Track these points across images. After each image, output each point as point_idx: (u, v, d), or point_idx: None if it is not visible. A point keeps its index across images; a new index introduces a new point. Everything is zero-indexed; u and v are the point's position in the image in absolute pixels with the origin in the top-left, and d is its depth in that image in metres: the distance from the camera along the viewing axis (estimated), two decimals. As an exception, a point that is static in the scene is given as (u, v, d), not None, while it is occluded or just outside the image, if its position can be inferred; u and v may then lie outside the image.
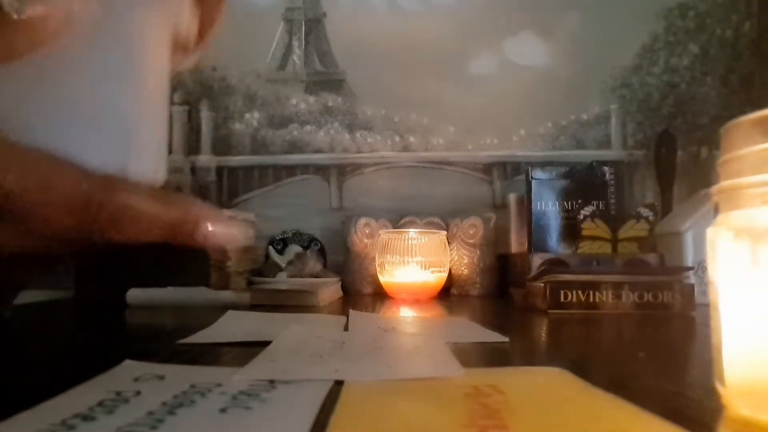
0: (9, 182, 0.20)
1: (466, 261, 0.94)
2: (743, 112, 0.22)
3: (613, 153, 1.10)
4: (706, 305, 0.24)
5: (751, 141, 0.21)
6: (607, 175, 0.91)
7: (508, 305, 0.78)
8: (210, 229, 0.23)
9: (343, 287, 0.92)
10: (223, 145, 1.15)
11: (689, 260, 0.74)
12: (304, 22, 1.17)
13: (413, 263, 0.84)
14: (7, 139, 0.21)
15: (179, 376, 0.28)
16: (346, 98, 1.15)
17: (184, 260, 0.81)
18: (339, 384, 0.26)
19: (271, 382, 0.27)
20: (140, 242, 0.23)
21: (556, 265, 0.75)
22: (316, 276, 0.91)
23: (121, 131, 0.25)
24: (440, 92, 1.13)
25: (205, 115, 1.15)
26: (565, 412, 0.23)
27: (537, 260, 0.78)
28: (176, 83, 1.14)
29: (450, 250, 0.91)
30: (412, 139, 1.14)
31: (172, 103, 1.15)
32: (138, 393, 0.24)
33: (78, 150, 0.23)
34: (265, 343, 0.37)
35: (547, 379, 0.29)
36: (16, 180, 0.20)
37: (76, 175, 0.21)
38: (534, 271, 0.74)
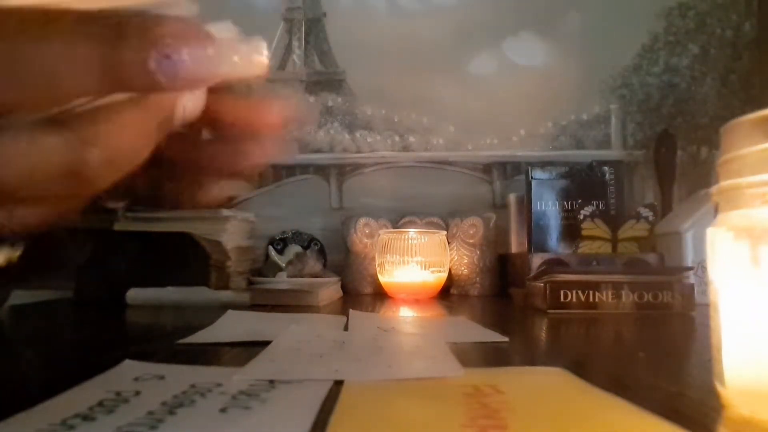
0: None
1: (466, 261, 0.94)
2: (743, 112, 0.22)
3: (613, 153, 1.10)
4: (706, 305, 0.24)
5: (751, 141, 0.21)
6: (607, 175, 0.91)
7: (508, 305, 0.78)
8: (188, 57, 0.15)
9: (343, 287, 0.92)
10: (223, 145, 1.15)
11: (689, 260, 0.74)
12: (304, 22, 1.17)
13: (413, 263, 0.84)
14: None
15: (179, 376, 0.28)
16: (346, 98, 1.15)
17: (184, 260, 0.81)
18: (339, 384, 0.26)
19: (271, 382, 0.27)
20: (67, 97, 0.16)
21: (556, 265, 0.74)
22: (316, 276, 0.91)
23: None
24: (440, 92, 1.13)
25: (205, 115, 1.15)
26: (565, 412, 0.23)
27: (537, 260, 0.78)
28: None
29: (450, 250, 0.91)
30: (412, 139, 1.14)
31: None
32: (138, 393, 0.24)
33: None
34: (265, 343, 0.37)
35: (547, 379, 0.29)
36: None
37: None
38: (534, 271, 0.74)
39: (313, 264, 0.92)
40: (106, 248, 0.79)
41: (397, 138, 1.14)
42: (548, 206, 0.88)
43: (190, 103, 0.19)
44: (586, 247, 0.79)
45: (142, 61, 0.15)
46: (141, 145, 0.18)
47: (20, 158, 0.16)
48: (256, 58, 0.17)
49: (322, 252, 1.02)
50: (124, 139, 0.17)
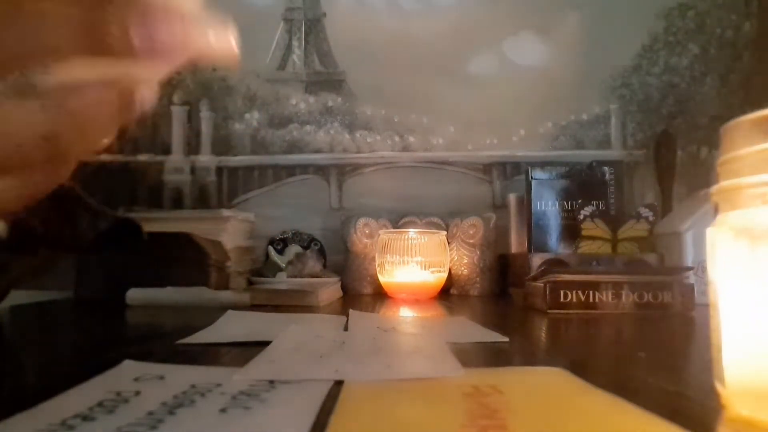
0: None
1: (466, 261, 0.94)
2: (743, 112, 0.22)
3: (613, 153, 1.10)
4: (706, 305, 0.24)
5: (751, 141, 0.21)
6: (607, 175, 0.91)
7: (508, 305, 0.78)
8: (164, 28, 0.15)
9: (343, 287, 0.92)
10: (222, 145, 1.15)
11: (689, 260, 0.74)
12: (304, 22, 1.17)
13: (413, 263, 0.84)
14: None
15: (179, 376, 0.28)
16: (346, 98, 1.15)
17: (184, 260, 0.81)
18: (339, 384, 0.26)
19: (271, 382, 0.27)
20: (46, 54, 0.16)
21: (556, 265, 0.75)
22: (316, 276, 0.91)
23: None
24: (440, 92, 1.13)
25: (205, 116, 1.15)
26: (565, 412, 0.23)
27: (537, 260, 0.78)
28: (176, 83, 1.14)
29: (450, 250, 0.91)
30: (412, 139, 1.14)
31: (172, 103, 1.15)
32: (138, 393, 0.24)
33: None
34: (265, 343, 0.37)
35: (547, 379, 0.29)
36: None
37: None
38: (534, 271, 0.74)
39: (313, 264, 0.92)
40: (106, 248, 0.78)
41: (397, 138, 1.14)
42: (548, 206, 0.88)
43: (147, 93, 0.20)
44: (586, 247, 0.79)
45: (122, 27, 0.15)
46: (106, 123, 0.19)
47: (2, 121, 0.17)
48: (226, 42, 0.17)
49: (322, 252, 1.02)
50: (93, 112, 0.18)
